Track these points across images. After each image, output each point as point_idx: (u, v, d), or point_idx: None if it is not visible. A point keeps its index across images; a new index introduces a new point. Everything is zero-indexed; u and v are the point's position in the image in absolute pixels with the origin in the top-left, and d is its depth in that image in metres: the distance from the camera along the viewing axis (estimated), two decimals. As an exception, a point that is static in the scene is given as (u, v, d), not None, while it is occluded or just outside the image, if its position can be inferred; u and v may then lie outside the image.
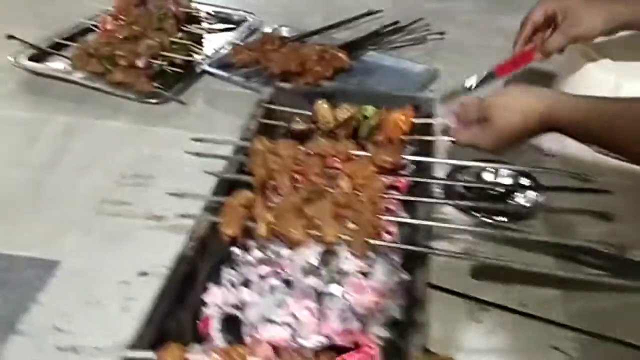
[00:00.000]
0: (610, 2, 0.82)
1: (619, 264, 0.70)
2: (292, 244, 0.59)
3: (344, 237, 0.57)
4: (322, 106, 0.77)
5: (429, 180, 0.67)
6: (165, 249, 0.72)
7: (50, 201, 0.84)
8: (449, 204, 0.75)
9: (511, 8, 1.43)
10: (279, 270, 0.61)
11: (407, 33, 1.28)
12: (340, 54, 1.13)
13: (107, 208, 0.82)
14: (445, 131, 0.72)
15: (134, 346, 0.48)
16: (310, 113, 0.79)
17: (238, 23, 1.29)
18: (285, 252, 0.64)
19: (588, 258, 0.72)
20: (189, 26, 1.20)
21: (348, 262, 0.61)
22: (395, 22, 1.28)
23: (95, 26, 1.19)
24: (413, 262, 0.58)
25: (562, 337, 0.66)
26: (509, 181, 0.82)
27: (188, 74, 1.11)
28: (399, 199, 0.64)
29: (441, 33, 1.29)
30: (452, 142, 0.72)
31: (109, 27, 1.15)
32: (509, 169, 0.80)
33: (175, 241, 0.70)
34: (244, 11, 1.33)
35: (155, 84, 1.06)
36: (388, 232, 0.65)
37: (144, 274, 0.72)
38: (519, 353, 0.64)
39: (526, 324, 0.67)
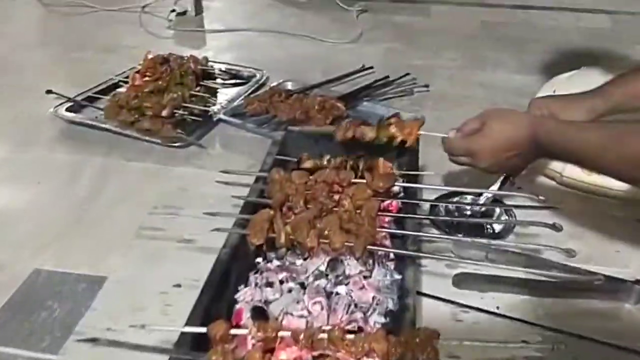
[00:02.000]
0: (586, 97, 0.89)
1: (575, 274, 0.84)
2: (306, 251, 0.73)
3: (347, 244, 0.71)
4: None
5: (416, 201, 0.82)
6: (196, 266, 0.86)
7: (93, 227, 0.98)
8: (430, 219, 0.89)
9: (487, 65, 1.64)
10: (294, 276, 0.75)
11: (396, 86, 1.45)
12: (338, 104, 1.28)
13: (143, 233, 0.96)
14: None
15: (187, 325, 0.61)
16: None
17: (248, 78, 1.47)
18: (299, 262, 0.78)
19: (550, 271, 0.86)
20: (206, 81, 1.37)
21: (351, 267, 0.76)
22: (386, 77, 1.45)
23: (124, 82, 1.37)
24: (403, 265, 0.72)
25: (531, 333, 0.78)
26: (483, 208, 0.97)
27: (206, 122, 1.27)
28: (391, 216, 0.79)
29: (426, 85, 1.47)
30: (450, 157, 0.83)
31: (137, 82, 1.32)
32: (486, 196, 0.95)
33: (204, 259, 0.84)
34: (253, 68, 1.50)
35: (178, 131, 1.22)
36: (383, 245, 0.80)
37: (178, 285, 0.85)
38: (493, 347, 0.77)
39: (499, 323, 0.80)
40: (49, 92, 1.34)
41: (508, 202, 0.96)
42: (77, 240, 0.95)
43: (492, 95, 1.47)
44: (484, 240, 0.75)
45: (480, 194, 0.92)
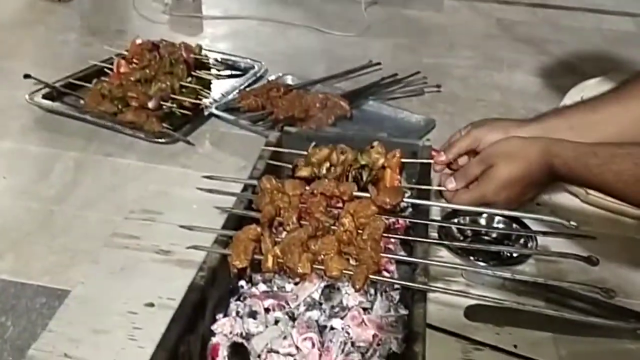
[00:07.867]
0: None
1: (606, 309, 0.74)
2: (297, 277, 0.62)
3: (346, 271, 0.60)
4: (316, 150, 0.80)
5: (426, 222, 0.71)
6: (172, 282, 0.76)
7: (60, 232, 0.87)
8: (444, 244, 0.78)
9: (504, 66, 1.52)
10: (283, 304, 0.64)
11: (405, 85, 1.34)
12: (341, 102, 1.18)
13: (115, 241, 0.85)
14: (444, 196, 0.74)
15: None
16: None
17: (245, 70, 1.35)
18: (289, 286, 0.67)
19: (577, 303, 0.75)
20: (198, 72, 1.26)
21: (349, 297, 0.65)
22: (394, 75, 1.34)
23: (109, 68, 1.25)
24: (410, 298, 0.61)
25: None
26: (501, 227, 0.87)
27: (196, 116, 1.16)
28: (397, 238, 0.68)
29: (438, 86, 1.36)
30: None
31: (122, 70, 1.21)
32: (502, 216, 0.84)
33: (182, 275, 0.73)
34: (251, 59, 1.39)
35: (164, 125, 1.11)
36: (387, 270, 0.69)
37: (150, 304, 0.74)
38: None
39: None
40: (27, 76, 1.23)
41: (529, 222, 0.85)
42: (41, 246, 0.84)
43: (508, 99, 1.36)
44: (508, 275, 0.64)
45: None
